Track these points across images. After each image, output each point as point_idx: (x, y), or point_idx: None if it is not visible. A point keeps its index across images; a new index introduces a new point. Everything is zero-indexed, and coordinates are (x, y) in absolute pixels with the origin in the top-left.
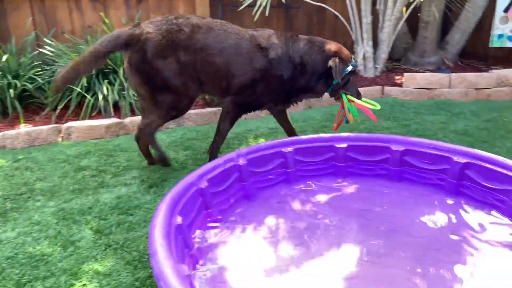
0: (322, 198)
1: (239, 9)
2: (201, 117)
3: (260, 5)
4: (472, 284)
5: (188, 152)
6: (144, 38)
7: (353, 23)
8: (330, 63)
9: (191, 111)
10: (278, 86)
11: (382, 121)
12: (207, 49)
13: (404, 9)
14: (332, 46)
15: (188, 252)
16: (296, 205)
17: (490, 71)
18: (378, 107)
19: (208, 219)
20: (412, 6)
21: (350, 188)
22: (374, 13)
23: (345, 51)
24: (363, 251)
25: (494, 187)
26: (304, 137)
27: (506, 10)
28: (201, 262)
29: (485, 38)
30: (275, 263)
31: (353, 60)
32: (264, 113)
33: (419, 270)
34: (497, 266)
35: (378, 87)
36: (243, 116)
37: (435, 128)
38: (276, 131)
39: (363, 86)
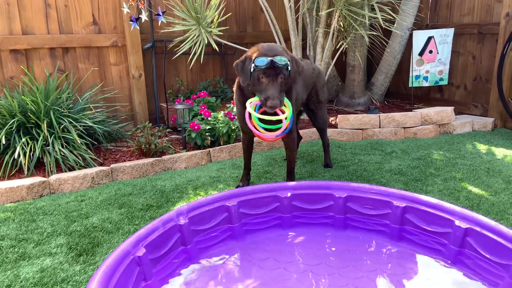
0: (268, 253)
1: (173, 58)
2: (137, 170)
3: (195, 53)
4: None
5: (123, 210)
6: None
7: None
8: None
9: (126, 164)
10: None
11: (321, 163)
12: None
13: (331, 54)
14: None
15: None
16: (243, 264)
17: (413, 110)
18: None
19: None
20: (338, 53)
21: (296, 240)
22: (305, 58)
23: (255, 49)
24: None
25: (434, 230)
26: (247, 188)
27: (421, 54)
28: None
29: (405, 79)
30: None
31: (261, 58)
32: (204, 161)
33: None
34: None
35: (314, 129)
36: (183, 165)
37: (371, 168)
38: (218, 179)
39: (300, 129)
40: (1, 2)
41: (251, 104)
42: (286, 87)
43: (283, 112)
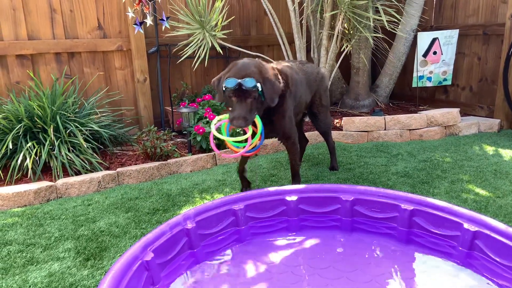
0: (275, 256)
1: (178, 62)
2: (143, 174)
3: (199, 57)
4: None
5: (130, 214)
6: None
7: None
8: None
9: (132, 167)
10: None
11: (327, 166)
12: None
13: (336, 57)
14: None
15: None
16: (250, 267)
17: (418, 111)
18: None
19: None
20: (342, 55)
21: (303, 243)
22: (309, 61)
23: (230, 67)
24: None
25: (442, 233)
26: (253, 191)
27: (425, 55)
28: None
29: (410, 80)
30: None
31: (229, 79)
32: (210, 164)
33: None
34: None
35: None
36: (189, 169)
37: (377, 171)
38: (223, 183)
39: (306, 131)
40: (7, 7)
41: (222, 121)
42: (261, 106)
43: (254, 130)
